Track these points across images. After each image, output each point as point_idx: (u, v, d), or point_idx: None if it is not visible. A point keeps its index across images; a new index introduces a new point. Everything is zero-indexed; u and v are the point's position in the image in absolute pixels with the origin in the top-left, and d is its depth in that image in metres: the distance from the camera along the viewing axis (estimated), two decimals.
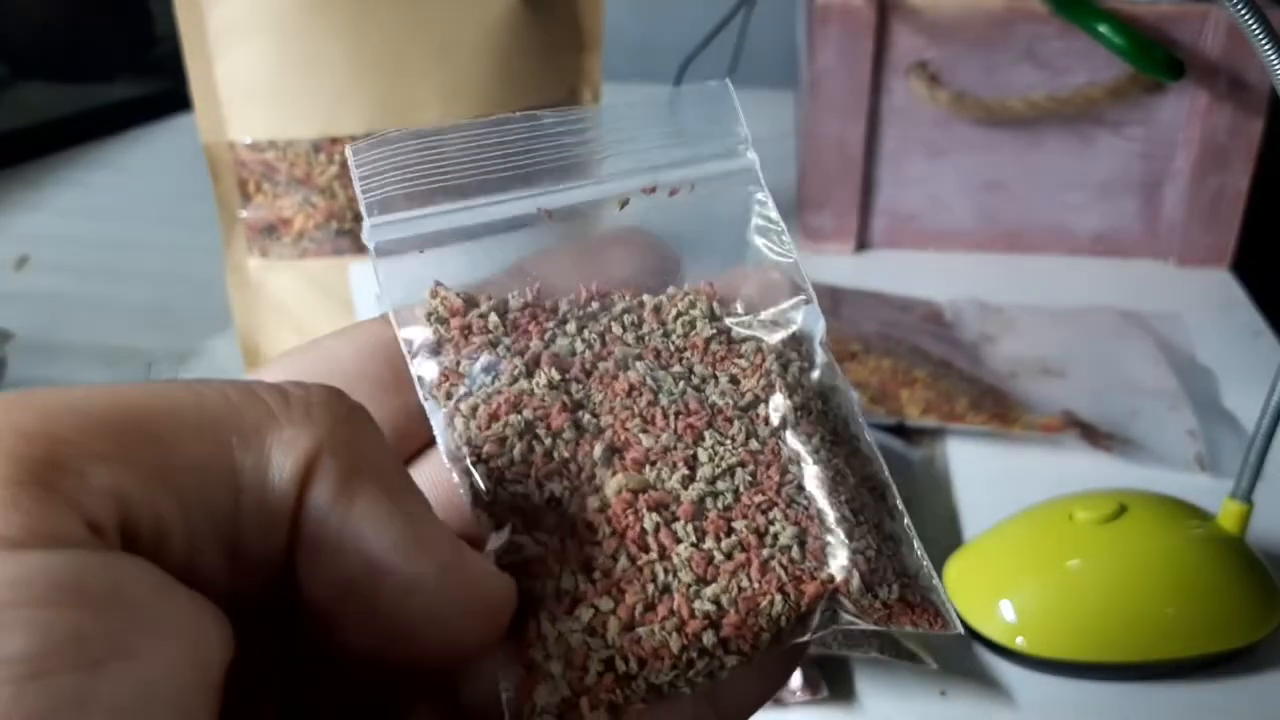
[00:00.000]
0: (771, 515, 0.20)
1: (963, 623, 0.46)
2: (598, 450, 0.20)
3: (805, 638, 0.20)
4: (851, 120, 0.71)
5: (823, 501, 0.20)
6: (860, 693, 0.44)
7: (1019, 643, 0.45)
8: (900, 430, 0.57)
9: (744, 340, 0.22)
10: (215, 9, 0.55)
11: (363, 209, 0.22)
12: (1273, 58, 0.38)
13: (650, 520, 0.20)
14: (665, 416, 0.21)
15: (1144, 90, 0.69)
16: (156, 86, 0.93)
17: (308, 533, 0.17)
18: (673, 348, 0.22)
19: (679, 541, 0.19)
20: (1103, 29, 0.66)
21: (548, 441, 0.20)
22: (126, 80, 0.95)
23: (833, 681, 0.44)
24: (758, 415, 0.21)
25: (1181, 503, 0.47)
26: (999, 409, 0.58)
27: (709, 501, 0.20)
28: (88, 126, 0.90)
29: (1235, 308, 0.70)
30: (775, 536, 0.20)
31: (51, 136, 0.88)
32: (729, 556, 0.19)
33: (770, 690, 0.21)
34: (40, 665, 0.13)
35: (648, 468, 0.20)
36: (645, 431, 0.21)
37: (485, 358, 0.21)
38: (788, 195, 0.77)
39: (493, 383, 0.21)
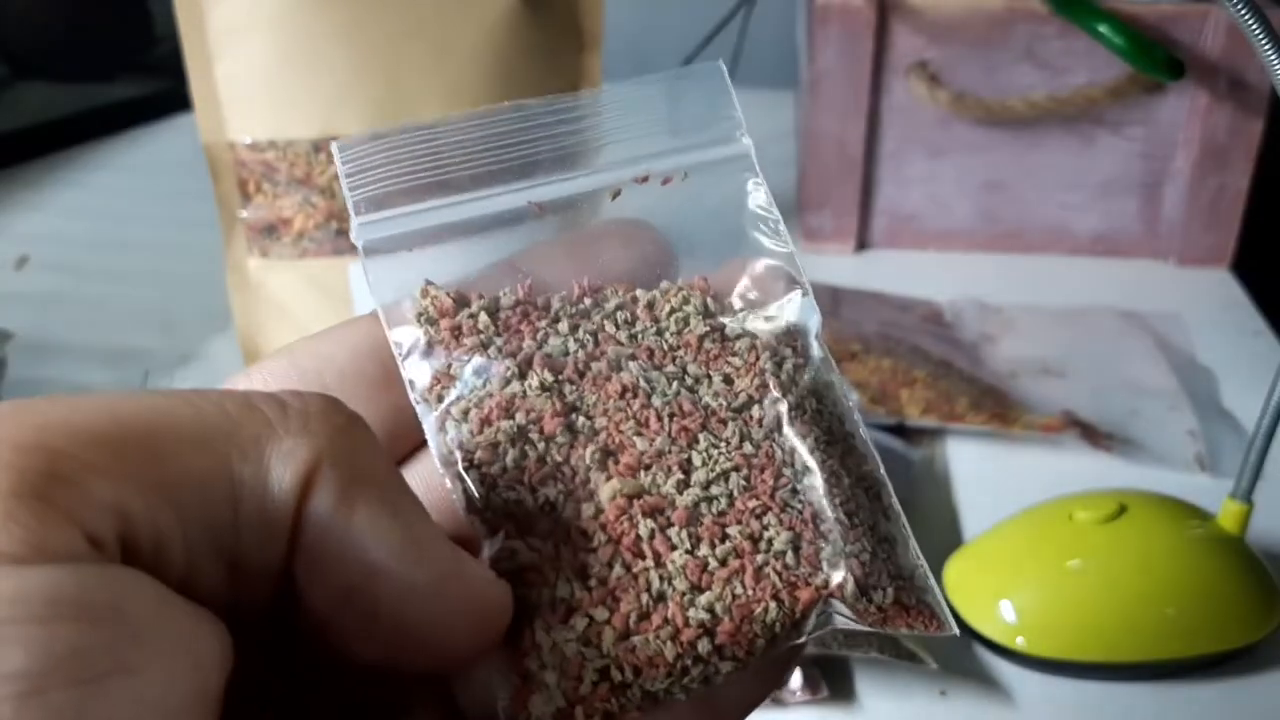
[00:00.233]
0: (766, 520, 0.20)
1: (963, 623, 0.46)
2: (591, 454, 0.20)
3: (800, 640, 0.20)
4: (851, 120, 0.71)
5: (817, 505, 0.20)
6: (860, 693, 0.44)
7: (1019, 643, 0.45)
8: (900, 430, 0.57)
9: (738, 337, 0.22)
10: (215, 9, 0.55)
11: (350, 207, 0.21)
12: (1273, 58, 0.38)
13: (645, 527, 0.19)
14: (659, 419, 0.21)
15: (1144, 90, 0.69)
16: (156, 86, 0.93)
17: (308, 542, 0.17)
18: (666, 346, 0.22)
19: (674, 548, 0.19)
20: (1103, 29, 0.66)
21: (541, 446, 0.20)
22: (126, 80, 0.95)
23: (833, 681, 0.44)
24: (751, 417, 0.21)
25: (1181, 503, 0.47)
26: (999, 409, 0.58)
27: (703, 506, 0.20)
28: (88, 126, 0.90)
29: (1235, 308, 0.70)
30: (770, 542, 0.20)
31: (51, 136, 0.88)
32: (723, 563, 0.19)
33: (766, 691, 0.21)
34: (40, 682, 0.13)
35: (642, 472, 0.20)
36: (639, 435, 0.20)
37: (476, 360, 0.21)
38: (788, 195, 0.77)
39: (484, 386, 0.21)
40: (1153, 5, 0.67)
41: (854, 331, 0.63)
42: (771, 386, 0.21)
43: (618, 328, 0.22)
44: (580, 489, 0.20)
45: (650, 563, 0.19)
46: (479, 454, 0.20)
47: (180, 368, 0.64)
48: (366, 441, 0.18)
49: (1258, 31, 0.38)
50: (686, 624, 0.19)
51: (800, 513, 0.20)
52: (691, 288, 0.23)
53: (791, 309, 0.23)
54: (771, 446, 0.21)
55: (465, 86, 0.57)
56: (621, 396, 0.21)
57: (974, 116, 0.71)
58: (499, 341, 0.21)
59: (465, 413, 0.21)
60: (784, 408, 0.21)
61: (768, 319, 0.23)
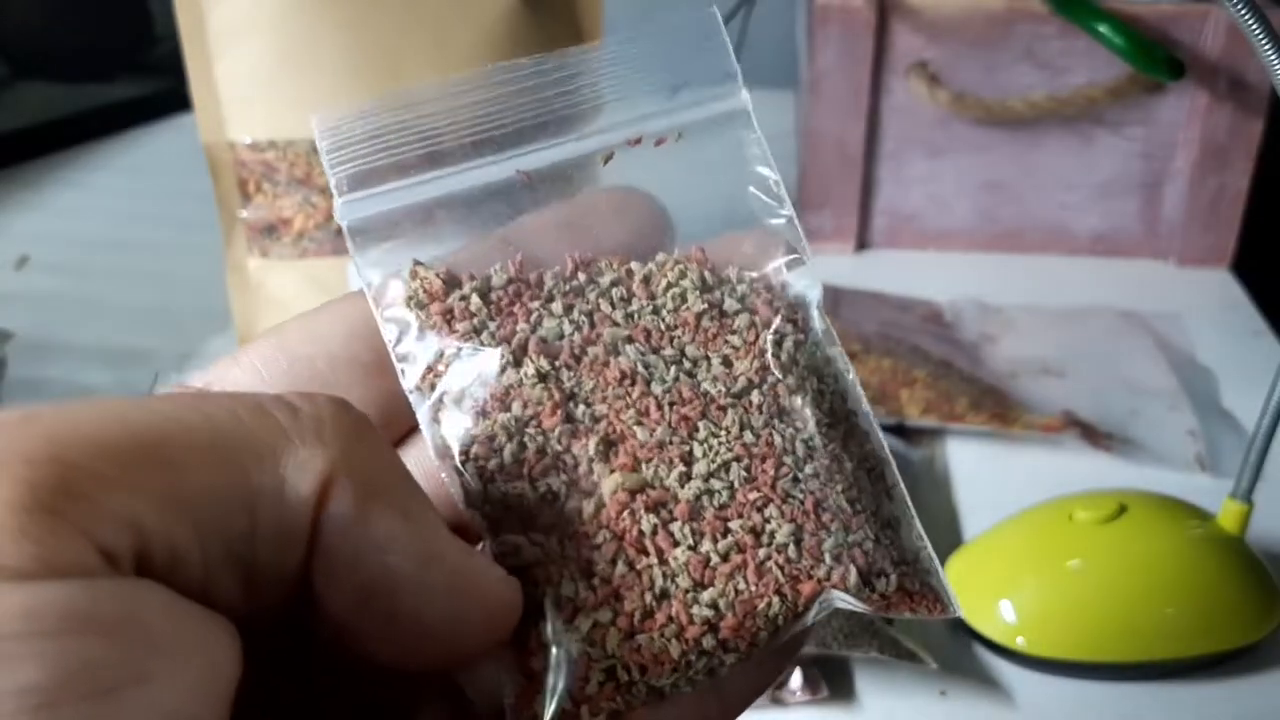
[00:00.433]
0: (767, 513, 0.20)
1: (963, 623, 0.46)
2: (592, 445, 0.20)
3: (804, 627, 0.19)
4: (851, 120, 0.71)
5: (819, 494, 0.20)
6: (860, 693, 0.44)
7: (1019, 643, 0.45)
8: (900, 430, 0.57)
9: (737, 314, 0.22)
10: (215, 9, 0.55)
11: (332, 186, 0.21)
12: (1273, 58, 0.38)
13: (648, 522, 0.19)
14: (659, 407, 0.20)
15: (1144, 90, 0.69)
16: (156, 86, 0.93)
17: (325, 549, 0.17)
18: (663, 326, 0.21)
19: (676, 544, 0.19)
20: (1103, 29, 0.66)
21: (539, 439, 0.20)
22: (126, 80, 0.95)
23: (833, 681, 0.44)
24: (751, 402, 0.21)
25: (1181, 503, 0.47)
26: (999, 409, 0.58)
27: (705, 500, 0.20)
28: (88, 126, 0.90)
29: (1235, 308, 0.70)
30: (772, 535, 0.19)
31: (51, 136, 0.88)
32: (725, 558, 0.19)
33: (771, 679, 0.21)
34: (53, 696, 0.13)
35: (644, 465, 0.20)
36: (640, 424, 0.20)
37: (469, 347, 0.20)
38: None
39: (478, 375, 0.20)
40: (1153, 5, 0.67)
41: (854, 331, 0.63)
42: (772, 368, 0.21)
43: (613, 306, 0.21)
44: (582, 481, 0.20)
45: (654, 559, 0.19)
46: (475, 448, 0.20)
47: (181, 368, 0.64)
48: (379, 446, 0.18)
49: (1258, 31, 0.38)
50: (691, 621, 0.19)
51: (802, 503, 0.20)
52: (689, 260, 0.22)
53: (792, 278, 0.22)
54: (772, 434, 0.20)
55: None
56: (620, 383, 0.20)
57: (974, 116, 0.71)
58: (492, 326, 0.21)
59: (459, 403, 0.20)
60: (784, 391, 0.21)
61: (767, 290, 0.22)
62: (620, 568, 0.19)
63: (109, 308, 0.69)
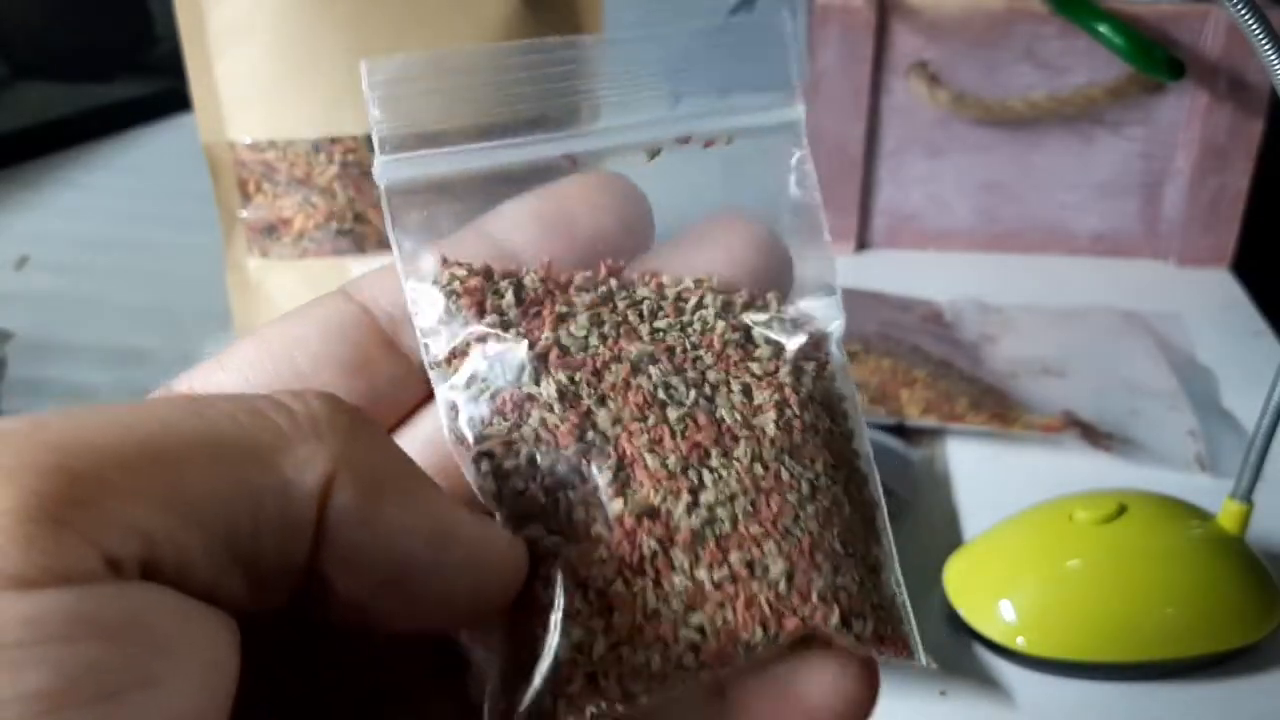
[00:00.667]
0: (765, 548, 0.20)
1: (963, 623, 0.46)
2: (605, 467, 0.20)
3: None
4: (851, 120, 0.71)
5: (816, 535, 0.20)
6: None
7: (1019, 643, 0.45)
8: (900, 430, 0.57)
9: (763, 341, 0.21)
10: (215, 9, 0.55)
11: (375, 143, 0.20)
12: (1273, 58, 0.38)
13: (649, 546, 0.19)
14: (674, 436, 0.20)
15: (1144, 90, 0.69)
16: (156, 86, 0.93)
17: (335, 543, 0.17)
18: (688, 345, 0.21)
19: (674, 570, 0.19)
20: (1103, 29, 0.66)
21: (554, 455, 0.20)
22: (126, 80, 0.95)
23: None
24: (765, 434, 0.21)
25: (1181, 503, 0.47)
26: (999, 409, 0.58)
27: (708, 530, 0.20)
28: (88, 126, 0.90)
29: (1235, 308, 0.70)
30: (765, 570, 0.20)
31: (51, 136, 0.88)
32: (719, 588, 0.19)
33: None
34: (58, 701, 0.13)
35: (653, 492, 0.20)
36: (653, 451, 0.20)
37: (494, 345, 0.20)
38: None
39: (501, 374, 0.20)
40: (1153, 5, 0.67)
41: (854, 331, 0.63)
42: (790, 400, 0.21)
43: (641, 319, 0.21)
44: (590, 499, 0.20)
45: (649, 581, 0.19)
46: (492, 445, 0.20)
47: (181, 368, 0.64)
48: (377, 437, 0.18)
49: (1258, 31, 0.38)
50: (676, 641, 0.19)
51: (799, 542, 0.20)
52: (720, 285, 0.22)
53: (818, 310, 0.22)
54: (781, 469, 0.20)
55: None
56: (640, 408, 0.20)
57: (974, 116, 0.71)
58: (520, 326, 0.21)
59: (480, 395, 0.20)
60: (798, 426, 0.21)
61: (794, 322, 0.22)
62: (618, 585, 0.19)
63: (109, 308, 0.69)
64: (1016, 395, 0.60)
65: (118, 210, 0.81)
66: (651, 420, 0.20)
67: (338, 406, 0.18)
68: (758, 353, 0.21)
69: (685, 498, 0.20)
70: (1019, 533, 0.48)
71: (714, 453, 0.20)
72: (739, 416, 0.21)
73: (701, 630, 0.19)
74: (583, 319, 0.21)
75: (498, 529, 0.19)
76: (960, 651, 0.46)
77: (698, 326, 0.21)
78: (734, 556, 0.20)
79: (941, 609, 0.47)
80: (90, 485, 0.15)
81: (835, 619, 0.20)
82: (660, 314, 0.21)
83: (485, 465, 0.20)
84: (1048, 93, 0.69)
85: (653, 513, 0.20)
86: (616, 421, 0.20)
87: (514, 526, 0.20)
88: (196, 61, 0.56)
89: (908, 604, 0.21)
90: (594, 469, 0.20)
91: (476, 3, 0.57)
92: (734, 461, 0.20)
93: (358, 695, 0.20)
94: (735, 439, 0.20)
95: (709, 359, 0.21)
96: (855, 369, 0.59)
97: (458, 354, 0.20)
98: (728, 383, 0.21)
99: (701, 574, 0.19)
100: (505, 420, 0.20)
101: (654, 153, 0.22)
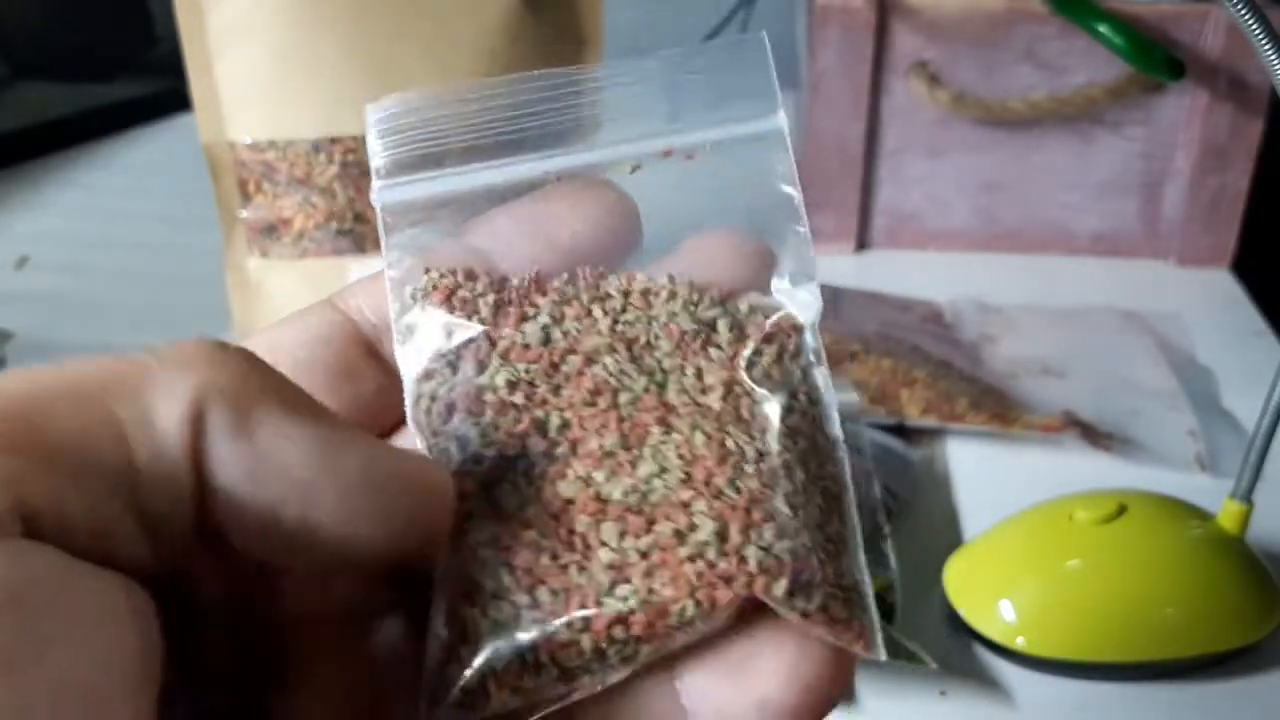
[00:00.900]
0: (695, 508, 0.19)
1: (963, 623, 0.46)
2: (550, 452, 0.20)
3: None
4: (851, 120, 0.71)
5: (757, 493, 0.20)
6: (860, 693, 0.44)
7: (1019, 643, 0.45)
8: (900, 430, 0.57)
9: (726, 330, 0.22)
10: (215, 9, 0.55)
11: (373, 170, 0.22)
12: (1273, 58, 0.38)
13: (581, 523, 0.19)
14: (621, 419, 0.20)
15: (1144, 90, 0.69)
16: (156, 86, 0.93)
17: (216, 474, 0.16)
18: (650, 337, 0.22)
19: (604, 544, 0.19)
20: (1103, 29, 0.66)
21: (504, 442, 0.20)
22: (126, 80, 0.95)
23: None
24: (710, 410, 0.21)
25: (1181, 503, 0.47)
26: (999, 409, 0.58)
27: (638, 500, 0.20)
28: (88, 126, 0.90)
29: (1235, 308, 0.70)
30: (694, 527, 0.19)
31: (51, 136, 0.88)
32: (645, 556, 0.19)
33: None
34: None
35: (592, 471, 0.20)
36: (598, 434, 0.20)
37: (457, 338, 0.21)
38: None
39: (461, 369, 0.21)
40: (1153, 5, 0.67)
41: (854, 331, 0.63)
42: (741, 380, 0.21)
43: (605, 315, 0.22)
44: (534, 482, 0.20)
45: (578, 555, 0.19)
46: (441, 440, 0.20)
47: None
48: (253, 364, 0.17)
49: (1258, 31, 0.38)
50: (600, 614, 0.19)
51: (734, 502, 0.19)
52: (691, 285, 0.22)
53: (793, 297, 0.22)
54: (725, 439, 0.20)
55: None
56: (591, 393, 0.21)
57: (974, 116, 0.71)
58: (488, 323, 0.21)
59: (433, 395, 0.21)
60: (747, 402, 0.21)
61: (764, 310, 0.22)
62: (544, 560, 0.19)
63: (109, 308, 0.69)
64: (1016, 395, 0.60)
65: (118, 210, 0.81)
66: (601, 405, 0.21)
67: (215, 344, 0.17)
68: (719, 339, 0.22)
69: (621, 473, 0.20)
70: (1019, 533, 0.48)
71: (656, 431, 0.20)
72: (687, 397, 0.21)
73: (627, 601, 0.19)
74: (544, 316, 0.22)
75: (408, 451, 0.18)
76: (960, 651, 0.46)
77: (663, 318, 0.22)
78: (662, 525, 0.19)
79: (941, 609, 0.47)
80: None
81: (779, 588, 0.19)
82: (627, 310, 0.22)
83: (436, 448, 0.20)
84: (1048, 93, 0.69)
85: (586, 490, 0.20)
86: (567, 408, 0.21)
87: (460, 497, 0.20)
88: (196, 61, 0.56)
89: (869, 594, 0.20)
90: (539, 454, 0.20)
91: (477, 3, 0.57)
92: (674, 434, 0.20)
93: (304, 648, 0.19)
94: (680, 416, 0.21)
95: (667, 347, 0.22)
96: (855, 369, 0.59)
97: (422, 346, 0.21)
98: (682, 368, 0.21)
99: (628, 543, 0.19)
100: (464, 412, 0.21)
101: (635, 167, 0.23)
